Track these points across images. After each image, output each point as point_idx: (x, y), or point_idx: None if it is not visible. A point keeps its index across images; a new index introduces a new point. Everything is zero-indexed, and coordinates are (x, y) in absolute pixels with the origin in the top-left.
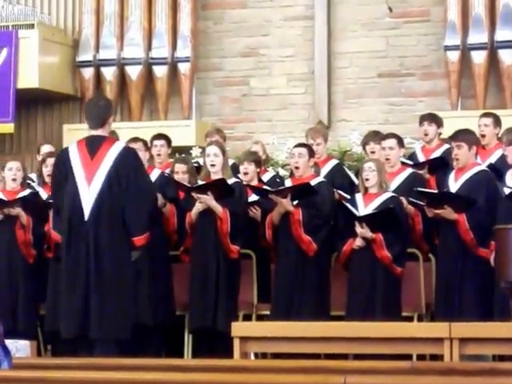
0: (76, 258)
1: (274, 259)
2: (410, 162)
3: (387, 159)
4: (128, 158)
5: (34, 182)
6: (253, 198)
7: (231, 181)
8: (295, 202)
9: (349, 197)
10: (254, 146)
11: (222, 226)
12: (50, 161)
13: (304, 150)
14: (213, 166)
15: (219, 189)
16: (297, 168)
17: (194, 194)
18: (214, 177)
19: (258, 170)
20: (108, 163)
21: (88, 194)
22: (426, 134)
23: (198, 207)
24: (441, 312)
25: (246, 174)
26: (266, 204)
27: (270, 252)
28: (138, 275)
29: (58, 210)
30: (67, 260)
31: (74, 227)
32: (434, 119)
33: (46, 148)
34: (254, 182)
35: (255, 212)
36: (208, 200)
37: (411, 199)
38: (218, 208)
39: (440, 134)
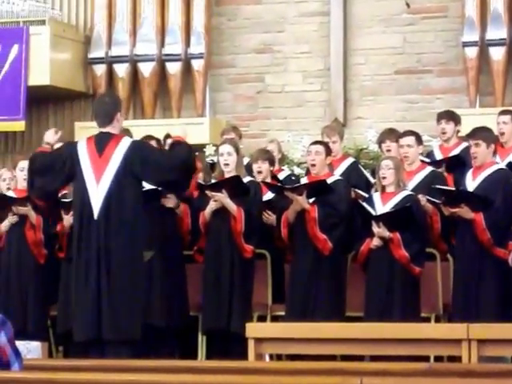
0: (86, 258)
1: (289, 258)
2: (428, 160)
3: (405, 157)
4: (136, 150)
5: None
6: (268, 196)
7: (246, 179)
8: (311, 200)
9: (367, 195)
10: (270, 144)
11: (236, 225)
12: None
13: (321, 148)
14: (226, 165)
15: (234, 187)
16: (313, 166)
17: (208, 192)
18: (227, 176)
19: (272, 168)
20: (116, 160)
21: (97, 192)
22: (443, 133)
23: (211, 206)
24: (458, 313)
25: (259, 172)
26: (281, 202)
27: (284, 252)
28: (151, 276)
29: (34, 171)
30: (77, 260)
31: (83, 226)
32: (451, 117)
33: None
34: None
35: (268, 217)
36: (222, 198)
37: (428, 197)
38: (232, 206)
39: (458, 131)
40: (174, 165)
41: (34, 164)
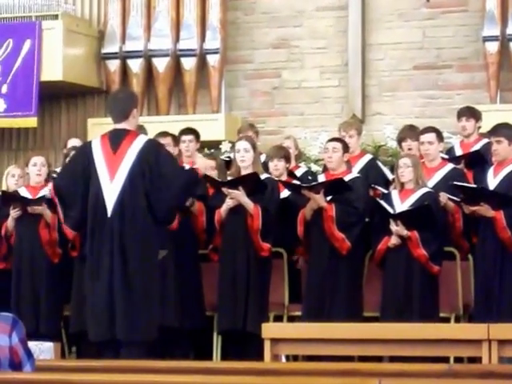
0: (100, 257)
1: (300, 253)
2: (446, 156)
3: (426, 154)
4: (151, 150)
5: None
6: (285, 194)
7: (263, 176)
8: (328, 198)
9: (386, 191)
10: (286, 140)
11: (252, 222)
12: None
13: (338, 145)
14: (243, 161)
15: (251, 184)
16: (330, 163)
17: (224, 190)
18: (244, 173)
19: (288, 165)
20: (131, 158)
21: (111, 189)
22: (464, 129)
23: (228, 203)
24: (480, 313)
25: (276, 170)
26: (298, 200)
27: (298, 249)
28: (165, 275)
29: (64, 201)
30: (91, 259)
31: (97, 224)
32: (472, 114)
33: (73, 142)
34: (284, 178)
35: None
36: (239, 195)
37: (448, 195)
38: (249, 204)
39: (479, 128)
40: (175, 193)
41: (60, 192)
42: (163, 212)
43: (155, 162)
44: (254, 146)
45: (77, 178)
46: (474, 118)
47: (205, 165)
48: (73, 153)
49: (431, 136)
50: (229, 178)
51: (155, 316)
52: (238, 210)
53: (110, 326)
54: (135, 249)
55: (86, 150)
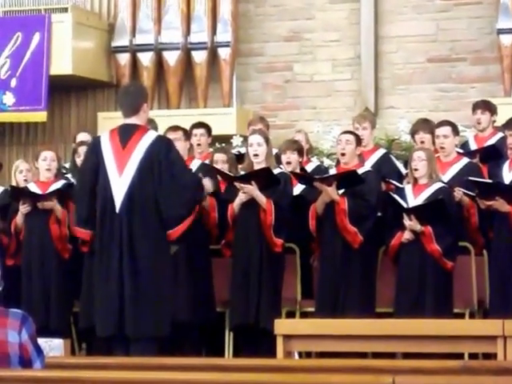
0: (109, 253)
1: (315, 250)
2: (461, 151)
3: (442, 148)
4: (161, 147)
5: (67, 172)
6: (298, 188)
7: (276, 171)
8: (341, 192)
9: (400, 185)
10: (297, 134)
11: (265, 217)
12: (82, 149)
13: (351, 137)
14: (256, 156)
15: (264, 178)
16: (343, 155)
17: (237, 184)
18: (257, 167)
19: (301, 159)
20: (139, 153)
21: (119, 185)
22: (479, 123)
23: (240, 198)
24: (495, 309)
25: (288, 163)
26: (310, 194)
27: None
28: (176, 271)
29: (83, 204)
30: (100, 254)
31: (105, 220)
32: (487, 107)
33: (82, 136)
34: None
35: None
36: (252, 190)
37: (463, 190)
38: (262, 199)
39: (494, 121)
40: (185, 190)
41: (76, 197)
42: (172, 219)
43: (165, 159)
44: (266, 140)
45: (85, 175)
46: (489, 111)
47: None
48: (83, 149)
49: (447, 129)
50: (241, 173)
51: (166, 312)
52: (251, 204)
53: (118, 322)
54: (145, 244)
55: (95, 146)
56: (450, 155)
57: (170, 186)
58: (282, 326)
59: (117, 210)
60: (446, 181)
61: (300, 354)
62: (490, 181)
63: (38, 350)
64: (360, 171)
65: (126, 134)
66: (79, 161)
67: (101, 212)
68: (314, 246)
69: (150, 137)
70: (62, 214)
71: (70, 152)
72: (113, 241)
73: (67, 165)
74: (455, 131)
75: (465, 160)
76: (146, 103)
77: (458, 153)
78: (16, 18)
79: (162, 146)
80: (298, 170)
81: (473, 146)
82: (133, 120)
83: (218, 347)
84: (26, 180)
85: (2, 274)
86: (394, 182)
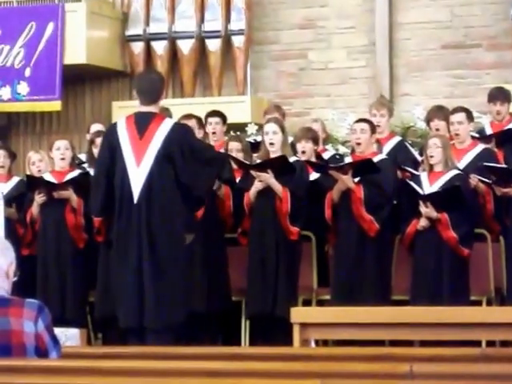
0: (127, 243)
1: (331, 240)
2: (476, 135)
3: (456, 134)
4: (179, 134)
5: (83, 163)
6: (313, 177)
7: (292, 159)
8: (356, 180)
9: (416, 172)
10: (314, 124)
11: (281, 205)
12: (99, 140)
13: (366, 126)
14: (271, 144)
15: (279, 167)
16: (358, 144)
17: (253, 172)
18: (272, 155)
19: (316, 147)
20: (157, 142)
21: (137, 175)
22: (498, 114)
23: (257, 186)
24: None
25: (303, 152)
26: (325, 182)
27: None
28: (192, 260)
29: (98, 191)
30: (118, 244)
31: (123, 210)
32: (506, 97)
33: (96, 127)
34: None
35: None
36: (268, 178)
37: (479, 177)
38: (278, 187)
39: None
40: (210, 157)
41: (92, 185)
42: (201, 189)
43: (187, 144)
44: (282, 129)
45: (102, 163)
46: (508, 102)
47: None
48: (98, 139)
49: (461, 116)
50: (257, 161)
51: (183, 301)
52: (267, 193)
53: (139, 313)
54: (162, 234)
55: (111, 134)
56: (464, 142)
57: (196, 167)
58: (299, 314)
59: (135, 200)
60: (461, 168)
61: (316, 342)
62: (505, 166)
63: (55, 341)
64: (376, 159)
65: (143, 123)
66: (96, 152)
67: (119, 202)
68: (330, 234)
69: (167, 125)
70: (77, 203)
71: (84, 142)
72: (131, 231)
73: (82, 155)
74: (470, 117)
75: (480, 146)
76: (164, 93)
77: (474, 137)
78: (30, 8)
79: (181, 132)
80: (313, 159)
81: (489, 133)
82: (150, 108)
83: (234, 336)
84: (39, 170)
85: (17, 264)
86: (410, 170)
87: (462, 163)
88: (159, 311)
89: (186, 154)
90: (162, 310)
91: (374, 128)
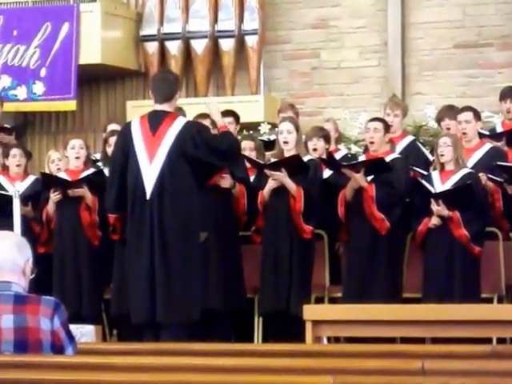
0: (140, 240)
1: (343, 237)
2: (487, 133)
3: (464, 133)
4: (192, 130)
5: (98, 161)
6: (325, 174)
7: (306, 158)
8: (369, 179)
9: (425, 172)
10: (326, 123)
11: (295, 204)
12: (113, 140)
13: (380, 125)
14: (286, 143)
15: (293, 166)
16: (372, 143)
17: (267, 171)
18: (287, 154)
19: (327, 146)
20: (170, 139)
21: (149, 172)
22: (508, 111)
23: (270, 185)
24: None
25: (315, 150)
26: (338, 181)
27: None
28: (206, 258)
29: (112, 188)
30: (131, 242)
31: (136, 207)
32: None
33: (112, 127)
34: None
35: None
36: (282, 177)
37: (489, 175)
38: (292, 185)
39: None
40: (224, 149)
41: (107, 183)
42: (225, 145)
43: (200, 138)
44: (296, 128)
45: (116, 161)
46: None
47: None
48: (112, 138)
49: (468, 115)
50: (271, 160)
51: (196, 298)
52: (281, 191)
53: (151, 309)
54: (175, 231)
55: (126, 133)
56: (472, 141)
57: (212, 154)
58: (311, 311)
59: (147, 197)
60: (469, 167)
61: (329, 339)
62: None
63: (70, 337)
64: (388, 158)
65: (156, 121)
66: (110, 151)
67: (131, 199)
68: (342, 232)
69: (179, 122)
70: (92, 201)
71: (99, 141)
72: (143, 228)
73: (97, 155)
74: (477, 116)
75: (488, 145)
76: (178, 93)
77: (484, 135)
78: (45, 8)
79: (194, 128)
80: (324, 157)
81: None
82: (164, 107)
83: (247, 333)
84: (59, 169)
85: (34, 262)
86: (420, 171)
87: (470, 162)
88: (170, 306)
89: (199, 145)
90: (174, 305)
91: (387, 127)
